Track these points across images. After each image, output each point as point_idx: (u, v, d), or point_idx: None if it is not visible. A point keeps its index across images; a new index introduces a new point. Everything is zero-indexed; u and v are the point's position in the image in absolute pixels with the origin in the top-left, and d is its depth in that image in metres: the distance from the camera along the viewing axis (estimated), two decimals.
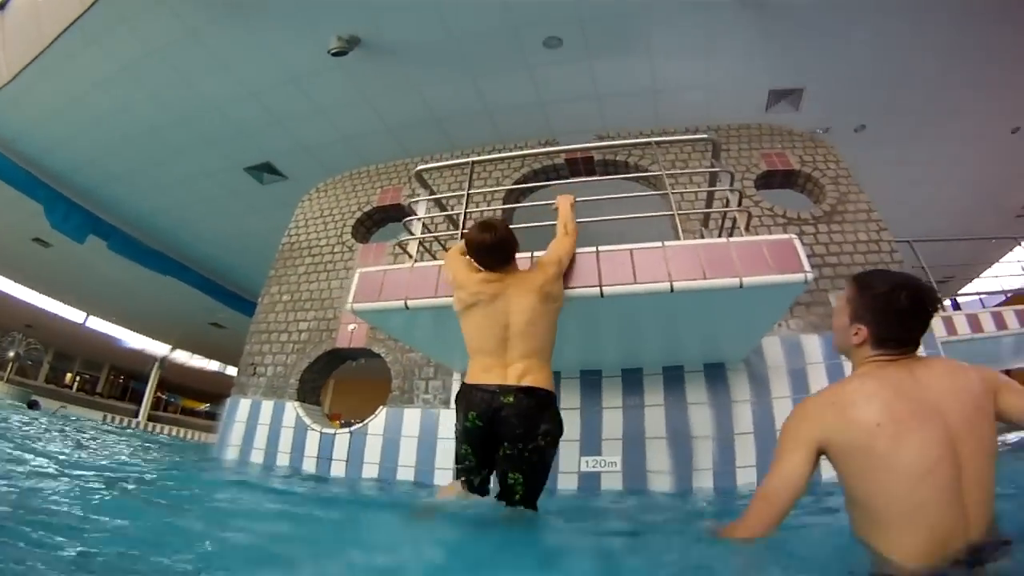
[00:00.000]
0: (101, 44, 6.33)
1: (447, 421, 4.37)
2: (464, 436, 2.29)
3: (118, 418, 15.95)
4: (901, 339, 1.55)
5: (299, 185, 8.21)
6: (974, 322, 5.01)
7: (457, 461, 2.34)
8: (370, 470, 4.40)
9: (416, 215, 3.47)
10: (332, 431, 4.71)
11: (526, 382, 2.23)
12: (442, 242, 3.86)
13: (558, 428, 2.28)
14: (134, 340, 18.43)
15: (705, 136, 3.51)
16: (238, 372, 5.44)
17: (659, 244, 2.72)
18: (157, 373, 15.20)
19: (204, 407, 22.93)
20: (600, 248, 2.76)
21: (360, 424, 4.59)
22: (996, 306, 12.41)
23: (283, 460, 4.63)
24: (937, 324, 4.66)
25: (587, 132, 6.60)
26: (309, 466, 4.53)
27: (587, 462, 3.95)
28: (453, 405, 2.39)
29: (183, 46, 6.29)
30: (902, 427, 1.38)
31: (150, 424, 15.31)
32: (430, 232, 3.76)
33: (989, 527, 1.32)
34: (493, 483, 2.32)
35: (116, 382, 21.25)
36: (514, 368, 2.27)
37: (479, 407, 2.21)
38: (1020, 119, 8.03)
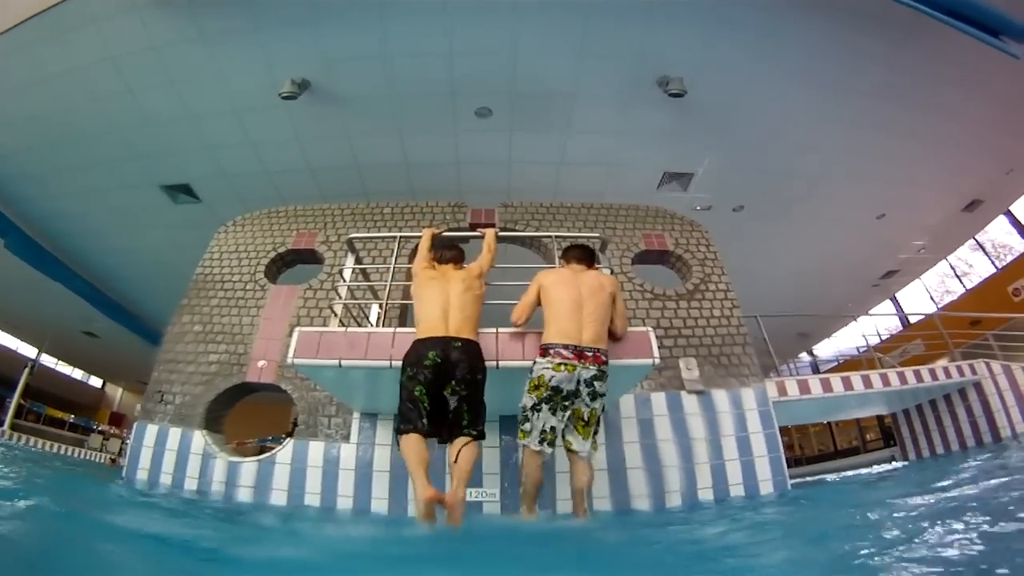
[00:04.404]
0: (61, 40, 6.24)
1: (347, 454, 4.90)
2: (420, 375, 3.11)
3: None
4: (574, 258, 3.69)
5: (211, 210, 8.33)
6: (803, 386, 5.86)
7: (404, 416, 3.08)
8: (278, 496, 4.78)
9: (344, 280, 4.02)
10: (238, 460, 5.03)
11: (464, 335, 3.28)
12: (364, 309, 4.35)
13: (485, 369, 3.31)
14: (5, 339, 17.09)
15: (597, 235, 4.44)
16: (144, 399, 5.58)
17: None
18: (27, 378, 14.05)
19: (69, 418, 21.15)
20: (499, 329, 3.55)
21: (256, 446, 4.73)
22: (828, 371, 14.44)
23: (191, 485, 4.92)
24: (770, 386, 5.54)
25: (493, 194, 7.27)
26: (217, 491, 4.85)
27: (470, 492, 4.51)
28: (400, 364, 3.25)
29: (141, 58, 6.34)
30: (558, 286, 3.45)
31: (15, 435, 14.03)
32: (354, 296, 4.29)
33: (598, 337, 3.29)
34: None
35: None
36: (453, 327, 3.27)
37: (437, 348, 3.17)
38: (885, 207, 9.58)
